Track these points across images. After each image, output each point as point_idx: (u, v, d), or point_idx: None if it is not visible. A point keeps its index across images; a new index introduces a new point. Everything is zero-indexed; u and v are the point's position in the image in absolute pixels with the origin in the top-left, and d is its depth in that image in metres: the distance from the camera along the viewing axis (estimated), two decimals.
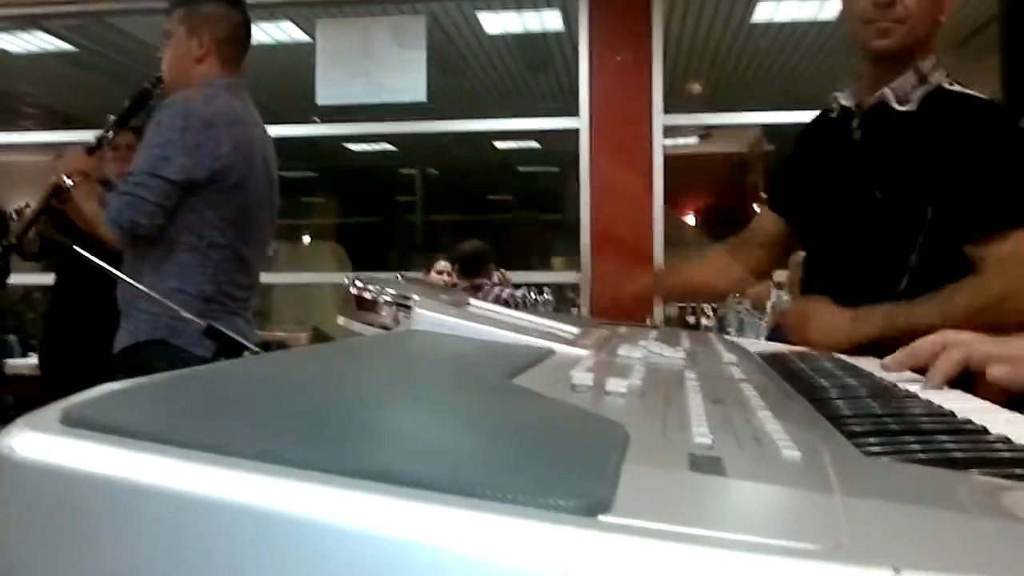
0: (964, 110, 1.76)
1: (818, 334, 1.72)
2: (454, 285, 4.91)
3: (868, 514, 0.37)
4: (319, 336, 5.32)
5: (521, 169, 12.42)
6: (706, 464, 0.41)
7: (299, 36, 6.58)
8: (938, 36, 1.84)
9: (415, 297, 1.00)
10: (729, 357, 1.01)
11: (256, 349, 2.10)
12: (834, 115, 1.94)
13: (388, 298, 1.27)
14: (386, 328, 1.09)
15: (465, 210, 13.20)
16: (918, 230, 1.75)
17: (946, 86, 1.79)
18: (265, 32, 6.75)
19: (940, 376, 0.98)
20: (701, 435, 0.48)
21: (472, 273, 5.02)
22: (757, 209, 9.52)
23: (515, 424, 0.45)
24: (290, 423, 0.40)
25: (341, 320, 1.57)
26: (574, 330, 1.02)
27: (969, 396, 0.95)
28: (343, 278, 1.54)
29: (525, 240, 13.13)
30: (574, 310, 5.02)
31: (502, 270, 5.18)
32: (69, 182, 2.50)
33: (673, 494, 0.37)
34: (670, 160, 5.19)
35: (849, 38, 1.85)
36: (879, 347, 1.40)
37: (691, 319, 5.03)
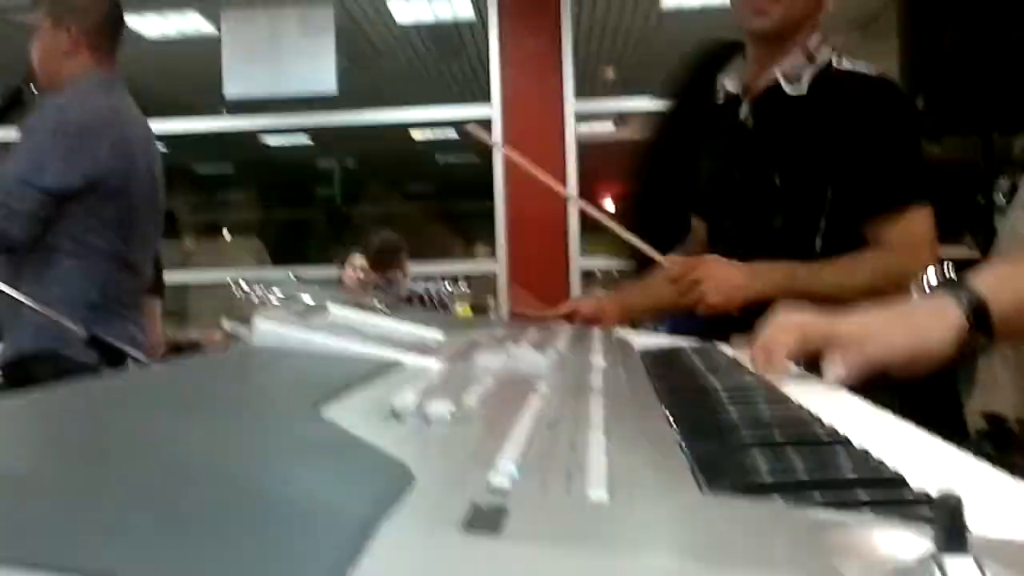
0: (854, 89, 1.74)
1: (715, 294, 1.68)
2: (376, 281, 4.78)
3: None
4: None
5: (440, 159, 12.31)
6: (483, 519, 0.35)
7: (206, 28, 6.41)
8: (833, 14, 1.81)
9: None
10: (603, 361, 0.96)
11: (139, 356, 2.02)
12: (719, 102, 1.91)
13: (256, 304, 1.20)
14: None
15: (386, 202, 13.05)
16: (820, 214, 1.73)
17: (835, 64, 1.77)
18: (171, 23, 6.57)
19: (777, 369, 0.98)
20: (502, 476, 0.43)
21: (384, 266, 4.89)
22: None
23: (267, 475, 0.38)
24: None
25: (225, 325, 1.48)
26: (438, 337, 0.96)
27: (854, 399, 0.91)
28: (241, 276, 1.45)
29: (447, 230, 13.03)
30: (490, 300, 4.96)
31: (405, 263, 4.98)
32: None
33: (425, 563, 0.32)
34: (586, 146, 5.15)
35: (734, 20, 1.82)
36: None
37: None
